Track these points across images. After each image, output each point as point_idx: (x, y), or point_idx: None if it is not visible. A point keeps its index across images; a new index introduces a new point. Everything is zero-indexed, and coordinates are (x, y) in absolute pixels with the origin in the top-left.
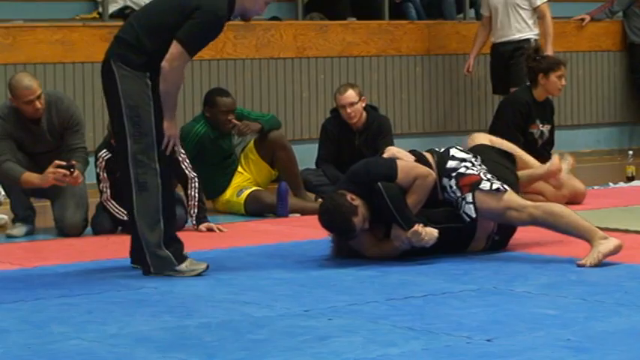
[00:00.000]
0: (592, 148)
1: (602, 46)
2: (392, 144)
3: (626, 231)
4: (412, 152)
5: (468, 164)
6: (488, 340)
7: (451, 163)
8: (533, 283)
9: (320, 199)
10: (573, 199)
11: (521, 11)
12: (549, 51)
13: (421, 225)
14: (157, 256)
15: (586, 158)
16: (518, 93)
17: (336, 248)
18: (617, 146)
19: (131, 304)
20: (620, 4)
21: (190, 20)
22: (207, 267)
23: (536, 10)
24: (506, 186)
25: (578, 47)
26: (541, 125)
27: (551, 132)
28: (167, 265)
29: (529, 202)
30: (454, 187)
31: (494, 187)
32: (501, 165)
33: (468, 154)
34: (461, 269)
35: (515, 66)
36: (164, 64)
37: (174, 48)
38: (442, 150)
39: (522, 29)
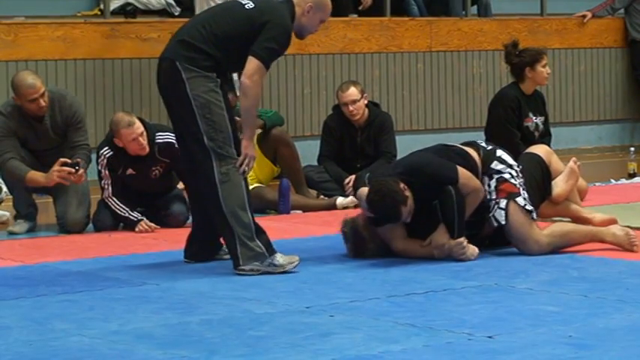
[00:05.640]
0: (594, 145)
1: (604, 42)
2: (394, 141)
3: (628, 227)
4: (460, 146)
5: (513, 172)
6: (490, 337)
7: (497, 165)
8: (534, 279)
9: (322, 196)
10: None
11: None
12: None
13: (466, 240)
14: (248, 248)
15: (588, 155)
16: (506, 90)
17: (353, 249)
18: (618, 143)
19: (133, 301)
20: (621, 2)
21: (263, 34)
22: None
23: None
24: (534, 214)
25: (579, 44)
26: (534, 118)
27: (545, 123)
28: (258, 257)
29: (543, 231)
30: (492, 188)
31: (528, 207)
32: (535, 180)
33: (512, 160)
34: (462, 266)
35: None
36: (244, 79)
37: (252, 63)
38: (488, 147)
39: None
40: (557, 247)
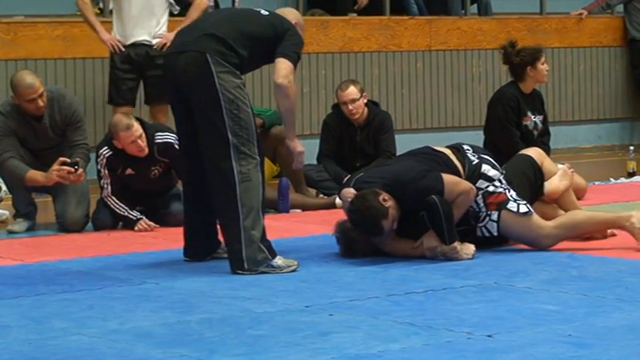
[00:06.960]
0: (593, 144)
1: (603, 41)
2: (393, 140)
3: None
4: (447, 152)
5: (497, 183)
6: (489, 336)
7: (482, 183)
8: (534, 278)
9: (321, 195)
10: (574, 195)
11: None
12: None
13: (459, 242)
14: (255, 251)
15: (587, 154)
16: (505, 89)
17: (345, 249)
18: (618, 142)
19: (132, 300)
20: None
21: (288, 40)
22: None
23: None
24: (530, 208)
25: (579, 43)
26: (533, 116)
27: (544, 122)
28: (263, 261)
29: (550, 223)
30: (480, 204)
31: (522, 210)
32: (527, 178)
33: (497, 170)
34: (461, 265)
35: (152, 79)
36: (282, 81)
37: (285, 64)
38: (474, 161)
39: (159, 30)
40: (569, 237)
